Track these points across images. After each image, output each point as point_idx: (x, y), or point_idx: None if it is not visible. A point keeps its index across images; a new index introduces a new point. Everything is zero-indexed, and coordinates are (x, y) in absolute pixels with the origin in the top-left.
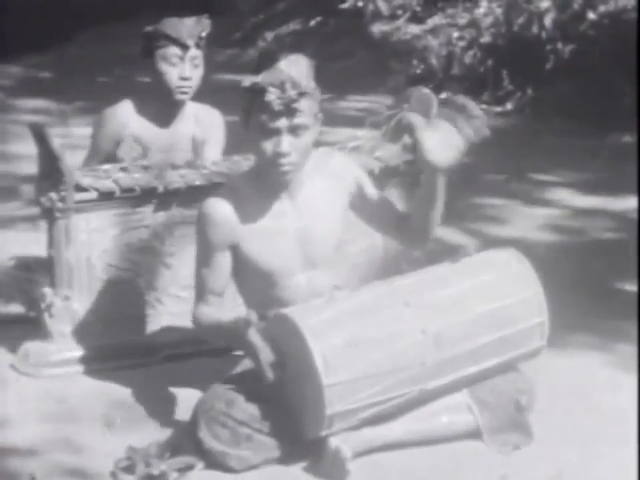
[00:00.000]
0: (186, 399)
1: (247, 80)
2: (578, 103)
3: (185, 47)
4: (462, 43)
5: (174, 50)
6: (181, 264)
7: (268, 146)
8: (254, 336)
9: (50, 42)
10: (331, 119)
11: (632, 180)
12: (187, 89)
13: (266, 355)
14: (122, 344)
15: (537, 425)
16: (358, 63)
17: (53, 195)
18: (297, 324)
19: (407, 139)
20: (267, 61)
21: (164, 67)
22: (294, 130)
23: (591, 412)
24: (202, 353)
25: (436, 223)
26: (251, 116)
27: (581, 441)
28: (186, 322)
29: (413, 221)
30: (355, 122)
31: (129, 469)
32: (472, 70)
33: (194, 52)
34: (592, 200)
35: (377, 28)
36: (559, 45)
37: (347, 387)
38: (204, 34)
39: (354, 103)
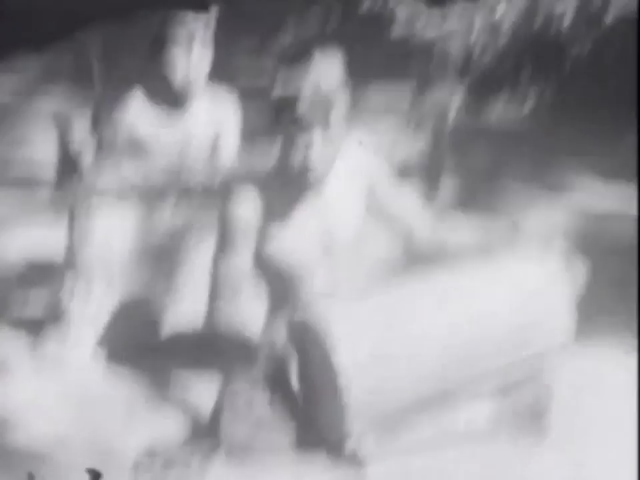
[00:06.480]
0: (201, 398)
1: (278, 90)
2: (595, 104)
3: (190, 43)
4: (481, 44)
5: (180, 47)
6: (195, 265)
7: (297, 157)
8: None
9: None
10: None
11: None
12: (194, 85)
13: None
14: (137, 345)
15: (554, 428)
16: (375, 65)
17: (71, 194)
18: (322, 333)
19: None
20: (298, 65)
21: (170, 62)
22: (324, 141)
23: (609, 415)
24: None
25: None
26: (279, 125)
27: (599, 444)
28: (198, 325)
29: None
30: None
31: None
32: (490, 71)
33: (200, 48)
34: (613, 203)
35: (394, 31)
36: (578, 47)
37: (367, 401)
38: (210, 29)
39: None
